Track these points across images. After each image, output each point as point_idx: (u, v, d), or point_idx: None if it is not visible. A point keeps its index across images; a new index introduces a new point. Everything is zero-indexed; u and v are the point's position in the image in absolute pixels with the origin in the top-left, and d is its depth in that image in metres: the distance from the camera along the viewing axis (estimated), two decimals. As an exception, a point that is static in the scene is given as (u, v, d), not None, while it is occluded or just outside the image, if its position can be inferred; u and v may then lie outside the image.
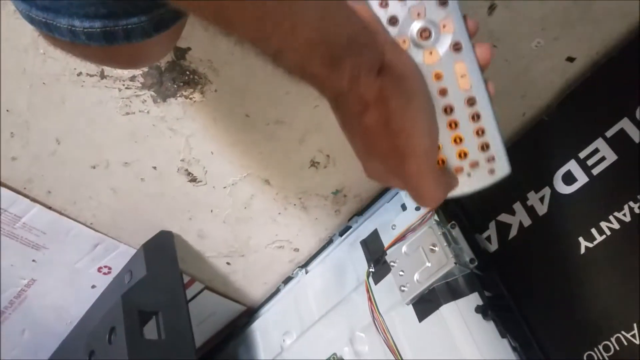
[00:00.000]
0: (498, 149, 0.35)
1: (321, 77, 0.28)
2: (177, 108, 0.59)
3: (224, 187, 0.68)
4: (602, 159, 0.55)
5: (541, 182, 0.59)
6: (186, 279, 0.76)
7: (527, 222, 0.59)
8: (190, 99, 0.59)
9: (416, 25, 0.33)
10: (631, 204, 0.51)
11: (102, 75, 0.56)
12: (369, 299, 0.61)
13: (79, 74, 0.56)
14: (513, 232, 0.60)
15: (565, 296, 0.53)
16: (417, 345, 0.56)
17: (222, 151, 0.64)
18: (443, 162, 0.36)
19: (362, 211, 0.73)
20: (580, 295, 0.52)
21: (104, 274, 0.74)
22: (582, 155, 0.57)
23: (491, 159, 0.36)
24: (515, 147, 0.65)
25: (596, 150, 0.56)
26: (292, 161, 0.67)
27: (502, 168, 0.36)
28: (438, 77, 0.34)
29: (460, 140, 0.35)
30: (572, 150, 0.58)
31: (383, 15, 0.32)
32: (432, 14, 0.32)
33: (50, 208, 0.66)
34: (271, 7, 0.24)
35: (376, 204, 0.71)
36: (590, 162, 0.56)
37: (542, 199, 0.59)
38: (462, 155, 0.36)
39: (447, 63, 0.33)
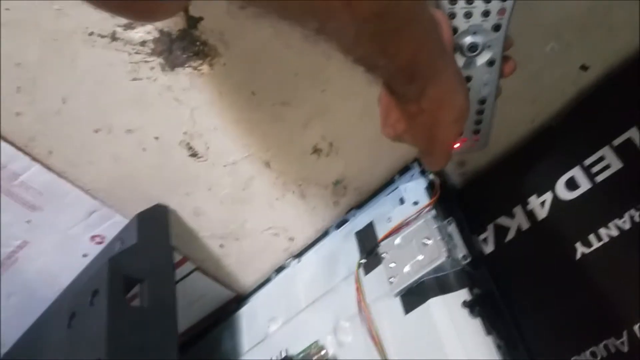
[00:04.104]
0: (485, 134, 0.47)
1: (398, 86, 0.36)
2: (185, 78, 0.59)
3: (224, 166, 0.67)
4: (607, 166, 0.54)
5: (543, 187, 0.59)
6: (178, 257, 0.75)
7: (525, 225, 0.58)
8: (199, 70, 0.59)
9: (469, 40, 0.40)
10: (632, 212, 0.50)
11: (113, 37, 0.56)
12: (357, 288, 0.60)
13: (91, 33, 0.56)
14: (510, 235, 0.59)
15: (556, 300, 0.52)
16: (400, 337, 0.54)
17: (225, 128, 0.64)
18: None
19: (360, 205, 0.72)
20: (571, 300, 0.51)
21: (97, 243, 0.74)
22: (587, 162, 0.56)
23: (476, 140, 0.47)
24: (520, 152, 0.64)
25: (602, 158, 0.55)
26: (294, 145, 0.66)
27: (481, 145, 0.48)
28: (468, 79, 0.42)
29: None
30: (578, 157, 0.57)
31: None
32: (484, 34, 0.40)
33: (49, 169, 0.66)
34: (390, 33, 0.30)
35: (375, 198, 0.70)
36: (594, 170, 0.55)
37: (542, 204, 0.58)
38: None
39: (479, 72, 0.42)
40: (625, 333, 0.46)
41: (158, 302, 0.59)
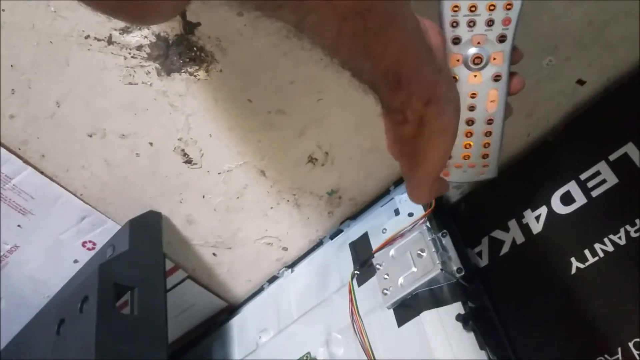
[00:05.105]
0: (494, 159, 0.44)
1: (383, 93, 0.34)
2: (180, 84, 0.59)
3: (219, 173, 0.67)
4: (603, 181, 0.54)
5: (539, 201, 0.58)
6: (170, 265, 0.75)
7: (520, 239, 0.58)
8: (195, 76, 0.59)
9: (473, 50, 0.38)
10: (628, 227, 0.50)
11: (110, 41, 0.56)
12: (350, 300, 0.59)
13: (87, 36, 0.56)
14: (505, 249, 0.58)
15: (551, 315, 0.51)
16: (393, 350, 0.54)
17: (220, 135, 0.63)
18: (450, 157, 0.42)
19: (355, 216, 0.72)
20: (565, 315, 0.50)
21: (88, 249, 0.73)
22: (582, 177, 0.56)
23: (486, 165, 0.44)
24: (516, 166, 0.64)
25: (597, 173, 0.55)
26: (289, 154, 0.66)
27: (490, 172, 0.45)
28: (473, 95, 0.40)
29: (469, 146, 0.43)
30: (573, 172, 0.57)
31: (450, 32, 0.38)
32: (489, 45, 0.38)
33: (42, 172, 0.65)
34: (374, 33, 0.29)
35: (370, 209, 0.70)
36: (590, 184, 0.55)
37: (537, 218, 0.57)
38: (466, 157, 0.44)
39: (484, 87, 0.40)
40: (619, 350, 0.45)
41: (148, 310, 0.58)
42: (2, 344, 0.79)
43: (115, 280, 0.58)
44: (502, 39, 0.38)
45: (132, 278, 0.60)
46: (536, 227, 0.57)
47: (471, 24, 0.37)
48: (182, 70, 0.58)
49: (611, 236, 0.51)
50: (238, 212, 0.71)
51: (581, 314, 0.49)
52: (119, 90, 0.59)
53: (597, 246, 0.51)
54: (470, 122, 0.41)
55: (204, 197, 0.69)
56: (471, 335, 0.50)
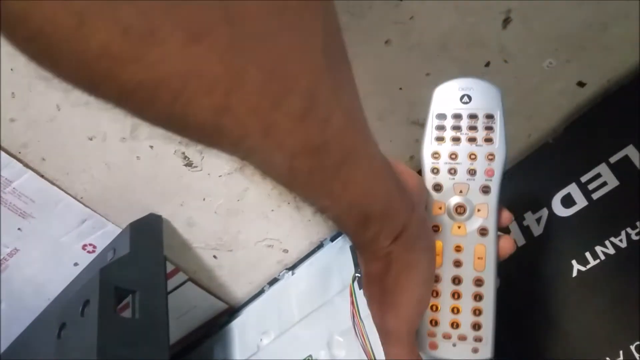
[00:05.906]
0: (487, 333, 0.37)
1: (350, 230, 0.32)
2: (181, 87, 0.59)
3: (220, 176, 0.67)
4: (604, 184, 0.54)
5: (539, 204, 0.58)
6: (170, 267, 0.75)
7: (521, 241, 0.58)
8: (195, 79, 0.58)
9: (455, 199, 0.36)
10: (629, 230, 0.50)
11: (110, 45, 0.56)
12: (352, 302, 0.59)
13: (87, 40, 0.55)
14: (506, 251, 0.58)
15: (552, 318, 0.51)
16: (394, 353, 0.54)
17: (221, 138, 0.63)
18: (436, 323, 0.38)
19: (355, 218, 0.72)
20: (567, 318, 0.50)
21: (88, 252, 0.73)
22: (583, 179, 0.56)
23: (478, 340, 0.37)
24: (517, 168, 0.64)
25: (598, 175, 0.55)
26: (290, 157, 0.66)
27: (485, 353, 0.37)
28: (458, 249, 0.37)
29: (458, 311, 0.38)
30: (574, 174, 0.57)
31: (431, 180, 0.37)
32: (472, 195, 0.36)
33: (42, 176, 0.65)
34: (331, 170, 0.26)
35: (371, 211, 0.70)
36: (591, 187, 0.55)
37: (538, 220, 0.58)
38: (455, 325, 0.38)
39: (470, 241, 0.37)
40: (621, 353, 0.45)
41: (149, 313, 0.58)
42: (2, 346, 0.79)
43: (116, 283, 0.57)
44: (485, 190, 0.36)
45: (133, 281, 0.60)
46: (537, 230, 0.57)
47: (452, 171, 0.36)
48: (183, 74, 0.58)
49: (612, 239, 0.51)
50: (239, 214, 0.71)
51: (582, 317, 0.49)
52: (119, 93, 0.59)
53: (598, 249, 0.51)
54: (456, 280, 0.37)
55: (204, 199, 0.69)
56: (473, 338, 0.50)
